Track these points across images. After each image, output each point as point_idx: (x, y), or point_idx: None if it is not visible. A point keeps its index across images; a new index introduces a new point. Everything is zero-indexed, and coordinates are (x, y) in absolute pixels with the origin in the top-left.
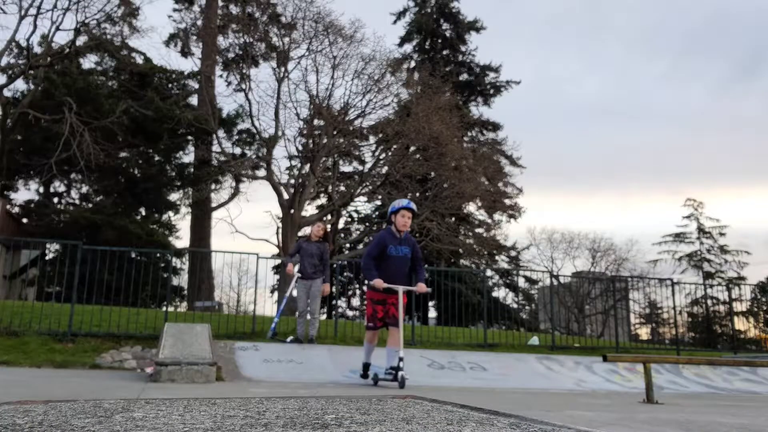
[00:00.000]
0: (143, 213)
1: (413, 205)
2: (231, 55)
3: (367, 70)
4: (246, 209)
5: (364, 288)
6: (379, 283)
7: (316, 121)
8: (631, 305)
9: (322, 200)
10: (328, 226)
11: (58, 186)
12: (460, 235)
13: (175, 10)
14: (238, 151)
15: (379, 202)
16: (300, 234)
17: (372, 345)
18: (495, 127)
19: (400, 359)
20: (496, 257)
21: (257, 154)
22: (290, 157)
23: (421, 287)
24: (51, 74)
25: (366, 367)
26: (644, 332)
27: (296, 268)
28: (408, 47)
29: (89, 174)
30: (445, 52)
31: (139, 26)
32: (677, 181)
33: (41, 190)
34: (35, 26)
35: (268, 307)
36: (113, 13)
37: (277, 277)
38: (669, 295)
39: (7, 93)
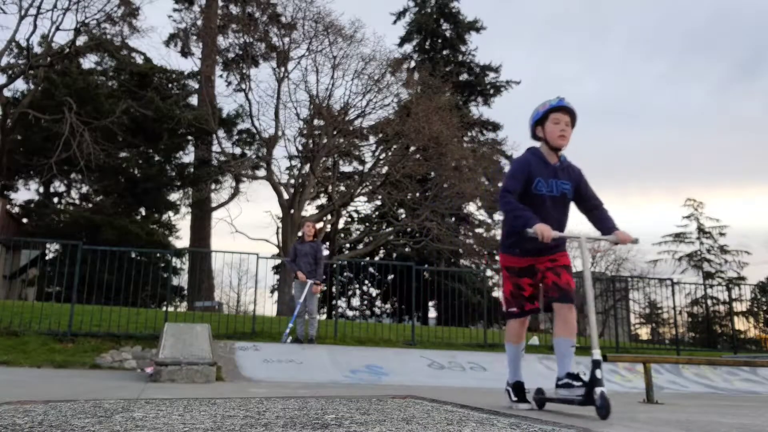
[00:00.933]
0: (143, 213)
1: (568, 102)
2: (231, 55)
3: (367, 70)
4: (246, 209)
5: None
6: (543, 229)
7: (316, 121)
8: (631, 305)
9: (322, 200)
10: (328, 227)
11: (58, 186)
12: (460, 235)
13: (175, 10)
14: (238, 151)
15: (379, 202)
16: (300, 234)
17: (519, 346)
18: (495, 127)
19: (595, 363)
20: (497, 257)
21: (257, 154)
22: (290, 157)
23: (625, 236)
24: (51, 74)
25: (518, 387)
26: (644, 332)
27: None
28: (408, 47)
29: (89, 174)
30: (445, 52)
31: (139, 26)
32: (677, 181)
33: (41, 190)
34: (35, 26)
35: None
36: (113, 13)
37: (277, 277)
38: (669, 295)
39: (7, 93)
